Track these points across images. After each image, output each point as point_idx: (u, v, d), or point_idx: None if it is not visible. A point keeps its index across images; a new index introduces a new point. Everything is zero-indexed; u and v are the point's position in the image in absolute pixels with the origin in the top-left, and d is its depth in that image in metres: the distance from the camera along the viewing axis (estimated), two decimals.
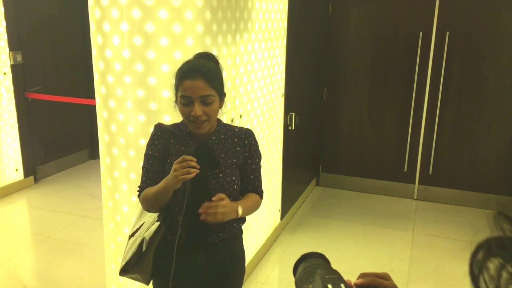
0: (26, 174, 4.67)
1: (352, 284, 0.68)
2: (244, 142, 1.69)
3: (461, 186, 4.38)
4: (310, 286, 0.73)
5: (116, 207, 2.32)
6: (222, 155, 1.64)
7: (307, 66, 4.19)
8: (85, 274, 3.12)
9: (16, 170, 4.57)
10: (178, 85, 1.57)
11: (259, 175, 1.76)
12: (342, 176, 4.79)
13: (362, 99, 4.56)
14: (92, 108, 5.35)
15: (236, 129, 1.72)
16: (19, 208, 4.32)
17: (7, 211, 4.19)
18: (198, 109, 1.52)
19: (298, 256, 0.89)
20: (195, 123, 1.55)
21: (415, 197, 4.55)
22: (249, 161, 1.70)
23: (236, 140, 1.68)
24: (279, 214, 3.72)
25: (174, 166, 1.47)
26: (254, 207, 1.76)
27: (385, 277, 0.70)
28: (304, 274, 0.80)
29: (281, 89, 3.47)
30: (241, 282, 1.87)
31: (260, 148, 1.78)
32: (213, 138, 1.65)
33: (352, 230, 3.88)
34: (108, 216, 2.40)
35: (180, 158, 1.46)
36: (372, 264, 3.33)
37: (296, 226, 3.94)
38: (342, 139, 4.74)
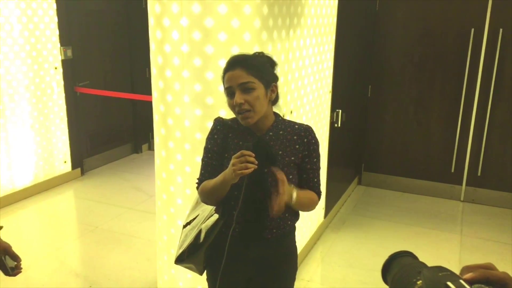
0: (73, 166, 4.82)
1: None
2: (303, 140, 1.65)
3: (511, 188, 4.22)
4: (417, 287, 0.69)
5: (170, 199, 2.36)
6: (280, 152, 1.62)
7: (353, 63, 4.14)
8: (134, 265, 3.19)
9: (65, 162, 4.72)
10: (223, 81, 1.59)
11: (315, 176, 1.71)
12: (385, 175, 4.70)
13: (408, 97, 4.46)
14: (136, 103, 5.50)
15: (296, 126, 1.69)
16: (68, 199, 4.46)
17: (56, 201, 4.34)
18: (238, 97, 1.52)
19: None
20: (240, 113, 1.55)
21: (461, 199, 4.42)
22: (306, 160, 1.67)
23: (295, 137, 1.65)
24: (323, 212, 3.69)
25: (232, 161, 1.47)
26: (310, 202, 1.71)
27: (492, 267, 0.66)
28: (403, 274, 0.76)
29: (329, 86, 3.44)
30: (293, 279, 1.85)
31: None
32: (270, 133, 1.64)
33: (397, 230, 3.81)
34: (161, 208, 2.44)
35: (239, 153, 1.46)
36: None
37: (340, 224, 3.90)
38: (386, 137, 4.66)
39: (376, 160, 4.74)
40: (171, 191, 2.34)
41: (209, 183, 1.61)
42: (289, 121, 1.73)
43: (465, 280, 0.61)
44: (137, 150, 5.75)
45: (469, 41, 4.09)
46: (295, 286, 1.87)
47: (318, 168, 1.73)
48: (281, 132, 1.65)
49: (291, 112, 2.68)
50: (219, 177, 1.56)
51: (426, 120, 4.43)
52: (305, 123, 1.73)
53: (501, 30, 3.97)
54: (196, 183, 1.71)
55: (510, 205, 4.23)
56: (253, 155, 1.45)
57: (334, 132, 3.62)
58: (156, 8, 2.18)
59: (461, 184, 4.40)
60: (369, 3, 4.36)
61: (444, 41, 4.22)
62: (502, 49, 4.01)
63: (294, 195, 1.58)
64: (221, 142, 1.65)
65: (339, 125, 3.60)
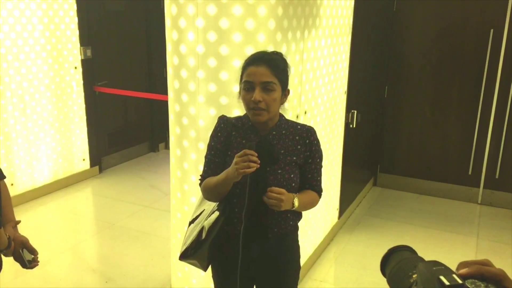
0: (92, 164, 4.91)
1: None
2: (305, 141, 1.68)
3: None
4: (412, 280, 0.70)
5: (184, 197, 2.39)
6: (282, 151, 1.65)
7: (369, 64, 4.12)
8: (148, 261, 3.24)
9: (83, 160, 4.81)
10: (242, 73, 1.61)
11: (318, 175, 1.75)
12: (401, 177, 4.67)
13: (426, 98, 4.42)
14: (153, 103, 5.58)
15: (299, 126, 1.72)
16: (86, 196, 4.55)
17: (74, 198, 4.43)
18: (258, 95, 1.54)
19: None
20: (254, 109, 1.57)
21: (479, 202, 4.36)
22: (310, 160, 1.70)
23: (297, 137, 1.68)
24: (337, 213, 3.69)
25: (235, 160, 1.50)
26: (311, 203, 1.75)
27: (488, 263, 0.66)
28: (399, 269, 0.77)
29: (344, 86, 3.43)
30: (295, 278, 1.87)
31: (322, 145, 1.76)
32: (274, 133, 1.66)
33: (412, 232, 3.78)
34: (176, 206, 2.48)
35: (242, 152, 1.49)
36: None
37: (354, 225, 3.89)
38: (402, 139, 4.62)
39: (392, 161, 4.71)
40: (185, 190, 2.38)
41: (212, 180, 1.65)
42: (292, 122, 1.76)
43: (458, 275, 0.61)
44: (154, 149, 5.82)
45: (488, 41, 4.04)
46: (308, 286, 1.88)
47: (321, 167, 1.76)
48: (283, 132, 1.68)
49: (305, 112, 2.69)
50: (222, 175, 1.59)
51: (443, 121, 4.38)
52: (308, 124, 1.75)
53: None
54: (199, 179, 1.75)
55: None
56: (256, 154, 1.48)
57: (349, 132, 3.62)
58: (173, 9, 2.22)
59: (478, 186, 4.34)
60: (386, 3, 4.34)
61: (462, 41, 4.17)
62: None
63: (296, 203, 1.62)
64: (225, 140, 1.68)
65: (354, 126, 3.60)
